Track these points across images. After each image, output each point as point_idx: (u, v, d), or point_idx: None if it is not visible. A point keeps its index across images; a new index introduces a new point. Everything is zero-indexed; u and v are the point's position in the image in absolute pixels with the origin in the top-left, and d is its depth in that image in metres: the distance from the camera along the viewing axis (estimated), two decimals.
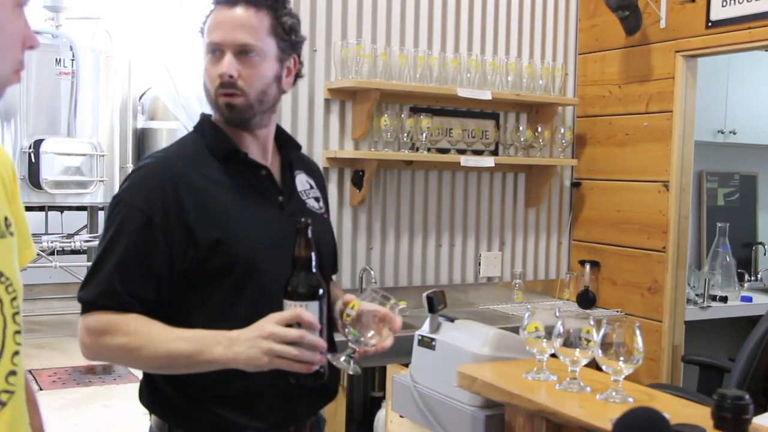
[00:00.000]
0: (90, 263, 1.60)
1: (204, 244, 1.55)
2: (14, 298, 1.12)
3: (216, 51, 1.60)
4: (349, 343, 1.56)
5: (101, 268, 1.53)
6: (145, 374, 1.66)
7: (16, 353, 1.12)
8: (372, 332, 1.58)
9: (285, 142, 1.78)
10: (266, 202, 1.66)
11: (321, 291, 1.46)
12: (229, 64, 1.58)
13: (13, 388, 1.11)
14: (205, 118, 1.71)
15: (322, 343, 1.42)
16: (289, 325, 1.41)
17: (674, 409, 1.66)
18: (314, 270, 1.46)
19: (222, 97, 1.60)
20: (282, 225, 1.64)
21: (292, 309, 1.42)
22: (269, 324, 1.42)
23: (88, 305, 1.53)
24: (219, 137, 1.65)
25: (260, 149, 1.69)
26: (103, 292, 1.52)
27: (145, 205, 1.54)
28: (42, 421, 1.36)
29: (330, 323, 1.74)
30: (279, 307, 1.46)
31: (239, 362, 1.43)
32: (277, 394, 1.60)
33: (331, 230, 1.86)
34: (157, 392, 1.64)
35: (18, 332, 1.12)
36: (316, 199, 1.79)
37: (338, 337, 1.73)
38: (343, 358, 1.55)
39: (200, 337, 1.47)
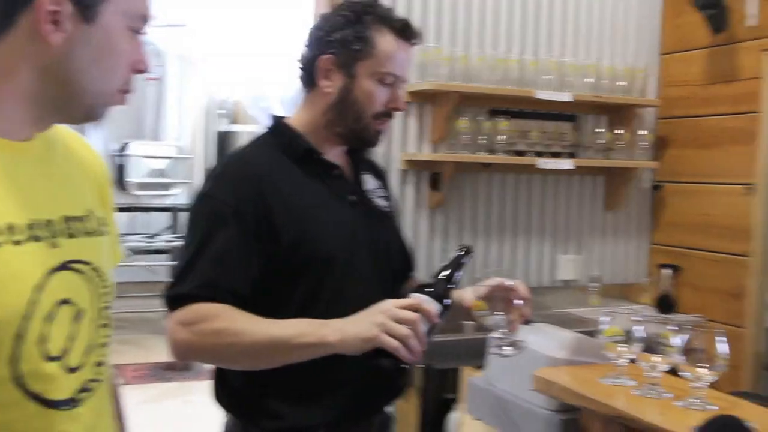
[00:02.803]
0: (173, 262, 1.62)
1: (285, 244, 1.57)
2: (106, 293, 1.15)
3: (392, 81, 1.66)
4: (497, 333, 1.60)
5: (196, 262, 1.53)
6: (217, 372, 1.69)
7: (104, 345, 1.15)
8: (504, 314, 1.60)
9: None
10: (340, 202, 1.68)
11: (448, 302, 1.49)
12: (403, 98, 1.70)
13: (101, 377, 1.14)
14: (279, 120, 1.74)
15: (426, 340, 1.43)
16: None
17: (760, 418, 1.60)
18: (451, 286, 1.51)
19: (381, 125, 1.68)
20: (355, 223, 1.67)
21: (415, 297, 1.46)
22: (388, 303, 1.44)
23: (183, 298, 1.52)
24: (295, 138, 1.68)
25: (335, 151, 1.72)
26: (202, 284, 1.52)
27: (234, 201, 1.55)
28: (123, 414, 1.39)
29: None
30: (357, 306, 1.47)
31: (346, 337, 1.43)
32: (345, 391, 1.62)
33: (400, 228, 1.86)
34: (229, 390, 1.67)
35: (105, 325, 1.15)
36: (384, 198, 1.81)
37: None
38: (505, 349, 1.60)
39: (304, 322, 1.48)
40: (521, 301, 1.60)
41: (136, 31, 1.11)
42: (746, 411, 1.66)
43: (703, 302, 3.50)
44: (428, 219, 3.31)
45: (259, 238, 1.55)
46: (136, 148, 6.09)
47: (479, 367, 2.27)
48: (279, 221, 1.56)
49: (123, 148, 6.20)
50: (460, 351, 2.51)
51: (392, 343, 1.39)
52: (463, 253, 1.55)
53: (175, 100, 6.24)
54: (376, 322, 1.41)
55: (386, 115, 1.68)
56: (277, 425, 1.61)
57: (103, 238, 1.19)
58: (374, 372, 1.58)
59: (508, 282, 1.61)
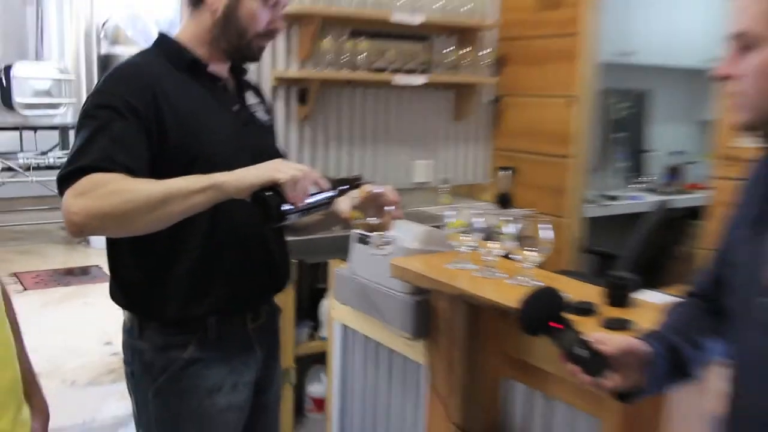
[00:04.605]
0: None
1: (172, 144, 1.50)
2: None
3: (275, 2, 1.60)
4: (374, 235, 1.62)
5: (95, 140, 1.42)
6: (113, 271, 1.64)
7: None
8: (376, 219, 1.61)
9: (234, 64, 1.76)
10: (224, 110, 1.64)
11: (334, 193, 1.49)
12: (282, 19, 1.63)
13: None
14: (164, 35, 1.67)
15: (308, 195, 1.41)
16: None
17: (574, 289, 1.72)
18: (340, 187, 1.51)
19: (264, 42, 1.63)
20: (237, 132, 1.64)
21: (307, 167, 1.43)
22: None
23: (83, 170, 1.38)
24: (181, 50, 1.62)
25: (219, 66, 1.67)
26: (102, 157, 1.40)
27: (131, 98, 1.47)
28: (13, 314, 1.34)
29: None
30: (241, 212, 1.43)
31: (239, 176, 1.37)
32: (232, 281, 1.60)
33: (276, 141, 1.85)
34: (124, 287, 1.62)
35: None
36: (264, 112, 1.78)
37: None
38: (383, 248, 1.63)
39: (195, 175, 1.40)
40: (392, 207, 1.61)
41: None
42: (564, 284, 1.79)
43: (533, 198, 3.66)
44: (297, 131, 3.28)
45: (150, 136, 1.48)
46: (19, 69, 5.67)
47: (344, 260, 2.32)
48: (167, 123, 1.50)
49: (6, 70, 5.76)
50: (328, 247, 2.54)
51: (284, 176, 1.35)
52: (357, 178, 1.57)
53: (55, 22, 5.82)
54: (270, 166, 1.38)
55: (267, 34, 1.63)
56: (171, 317, 1.59)
57: None
58: (257, 264, 1.62)
59: (378, 189, 1.61)
